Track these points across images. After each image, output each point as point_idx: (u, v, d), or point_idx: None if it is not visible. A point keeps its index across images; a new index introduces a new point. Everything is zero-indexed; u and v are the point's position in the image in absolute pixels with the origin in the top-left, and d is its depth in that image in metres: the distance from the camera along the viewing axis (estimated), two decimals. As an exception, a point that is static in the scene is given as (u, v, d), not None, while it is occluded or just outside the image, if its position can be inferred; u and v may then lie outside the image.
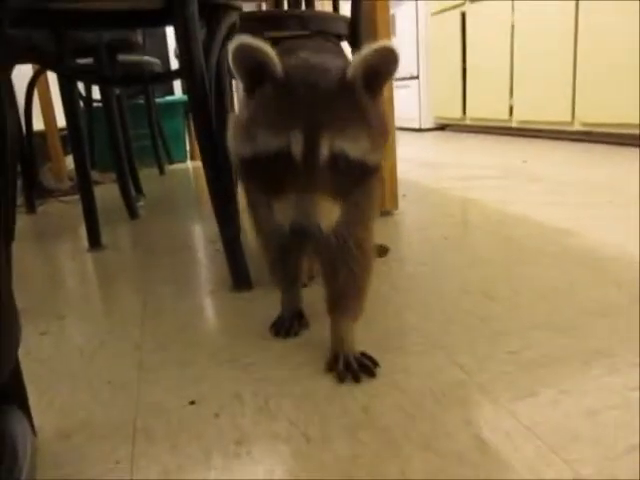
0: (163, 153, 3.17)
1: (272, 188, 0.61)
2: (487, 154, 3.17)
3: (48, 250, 1.68)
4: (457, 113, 4.32)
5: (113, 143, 1.92)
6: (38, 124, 2.53)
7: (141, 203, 2.16)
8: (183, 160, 3.50)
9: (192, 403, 0.74)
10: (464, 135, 4.28)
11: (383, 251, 1.31)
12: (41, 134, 2.60)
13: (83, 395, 0.81)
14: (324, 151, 0.58)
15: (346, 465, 0.60)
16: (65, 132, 2.60)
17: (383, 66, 0.61)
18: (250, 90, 0.64)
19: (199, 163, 1.19)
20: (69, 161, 2.54)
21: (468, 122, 4.25)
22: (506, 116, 3.70)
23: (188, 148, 3.58)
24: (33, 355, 0.93)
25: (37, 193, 2.26)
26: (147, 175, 2.72)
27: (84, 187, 1.57)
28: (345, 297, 0.79)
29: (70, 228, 1.89)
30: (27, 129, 2.38)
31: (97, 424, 0.73)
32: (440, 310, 0.98)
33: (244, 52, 0.59)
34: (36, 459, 0.54)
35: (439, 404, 0.70)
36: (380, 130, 0.65)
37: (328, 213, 0.59)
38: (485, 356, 0.82)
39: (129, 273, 1.40)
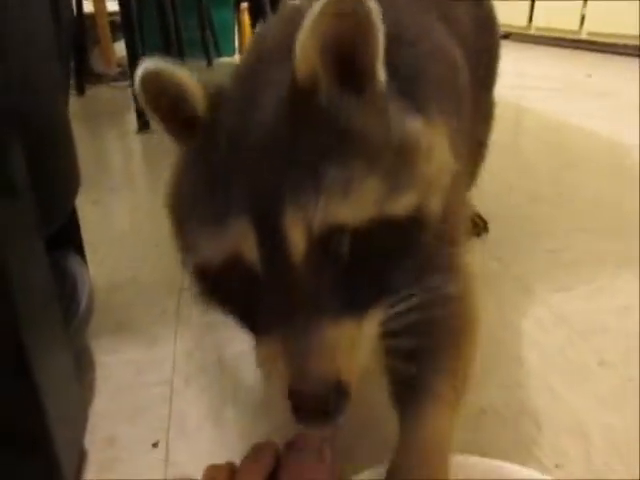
0: (212, 46, 3.09)
1: (243, 321, 0.37)
2: (550, 65, 2.98)
3: (98, 131, 1.72)
4: (523, 21, 4.02)
5: (163, 30, 1.88)
6: (87, 6, 2.49)
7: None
8: (231, 54, 3.41)
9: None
10: (528, 45, 4.02)
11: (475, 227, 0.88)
12: (90, 16, 2.57)
13: (132, 256, 0.87)
14: (297, 240, 0.31)
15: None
16: (112, 18, 2.57)
17: (354, 35, 0.32)
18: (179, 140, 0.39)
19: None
20: (119, 48, 2.52)
21: (533, 32, 3.95)
22: (576, 27, 3.42)
23: (237, 42, 3.47)
24: (85, 220, 0.99)
25: (86, 76, 2.27)
26: (194, 68, 2.68)
27: (134, 70, 1.57)
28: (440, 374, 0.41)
29: (119, 112, 1.91)
30: (77, 11, 2.35)
31: (145, 281, 0.78)
32: (482, 207, 0.97)
33: (154, 84, 0.36)
34: (93, 295, 0.58)
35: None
36: (405, 140, 0.34)
37: (349, 348, 0.31)
38: (524, 252, 0.82)
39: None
